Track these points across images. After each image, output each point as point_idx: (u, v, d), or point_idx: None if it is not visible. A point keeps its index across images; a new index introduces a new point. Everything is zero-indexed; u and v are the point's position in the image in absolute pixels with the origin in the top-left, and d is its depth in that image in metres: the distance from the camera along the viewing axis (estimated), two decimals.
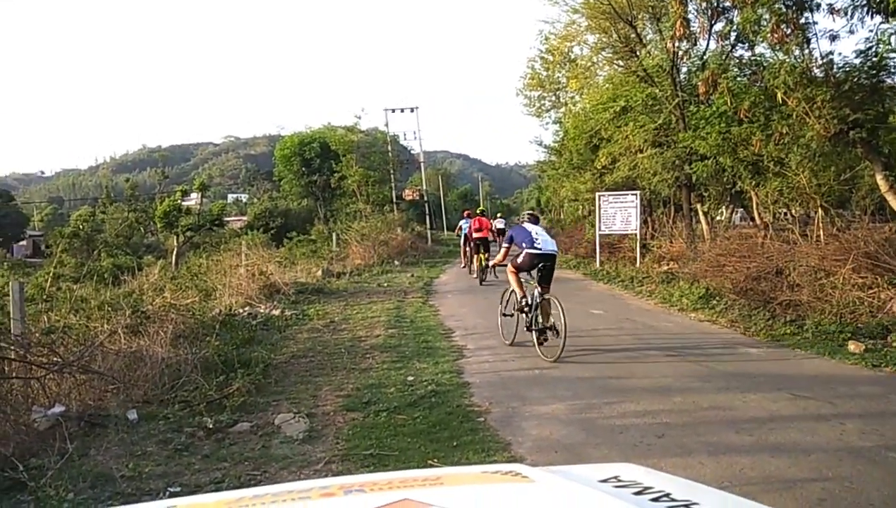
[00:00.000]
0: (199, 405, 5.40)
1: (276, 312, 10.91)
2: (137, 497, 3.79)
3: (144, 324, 7.12)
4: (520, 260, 7.70)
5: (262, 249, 18.29)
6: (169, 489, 3.94)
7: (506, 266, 8.19)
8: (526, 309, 7.58)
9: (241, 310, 10.65)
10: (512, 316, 7.96)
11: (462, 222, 19.73)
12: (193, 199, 33.56)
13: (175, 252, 25.99)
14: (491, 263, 9.12)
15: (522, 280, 7.82)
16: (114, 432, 4.75)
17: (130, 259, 25.47)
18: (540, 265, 7.53)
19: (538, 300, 7.41)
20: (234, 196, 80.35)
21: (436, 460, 4.29)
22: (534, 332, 7.44)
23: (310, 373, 6.93)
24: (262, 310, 10.97)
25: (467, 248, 18.40)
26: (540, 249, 7.49)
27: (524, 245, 7.61)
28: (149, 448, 4.58)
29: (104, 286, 10.44)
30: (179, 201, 27.14)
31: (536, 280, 7.59)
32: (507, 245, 8.14)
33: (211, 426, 4.95)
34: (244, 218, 47.01)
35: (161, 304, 8.09)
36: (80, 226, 35.05)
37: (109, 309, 7.30)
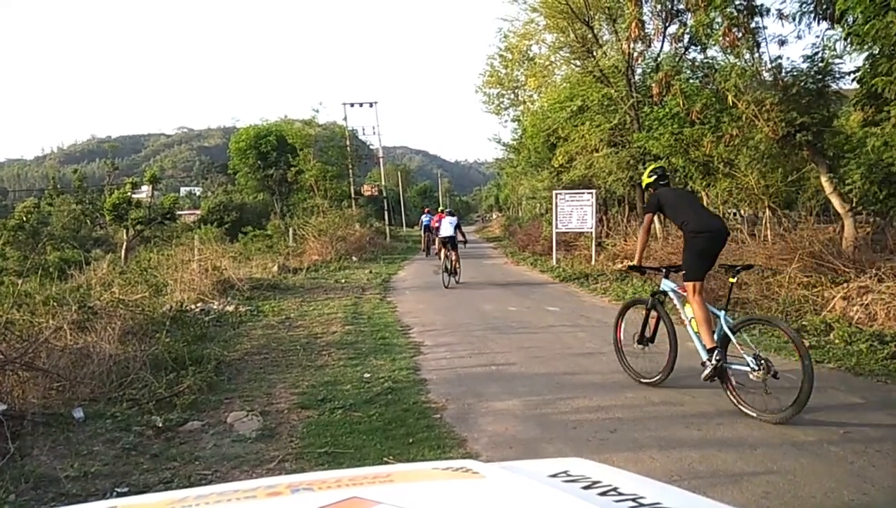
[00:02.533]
0: (149, 403, 5.27)
1: (230, 308, 10.73)
2: (83, 498, 3.68)
3: (92, 320, 6.92)
4: (435, 242, 14.62)
5: (215, 244, 18.01)
6: (116, 489, 3.84)
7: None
8: (444, 268, 14.48)
9: (193, 306, 10.43)
10: (437, 273, 14.99)
11: (423, 217, 25.63)
12: (144, 192, 32.57)
13: (125, 246, 25.22)
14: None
15: (443, 253, 14.83)
16: (59, 431, 4.61)
17: (78, 253, 24.61)
18: (446, 242, 14.48)
19: (452, 258, 14.34)
20: (188, 189, 78.66)
21: (391, 457, 4.28)
22: (446, 274, 14.16)
23: (264, 371, 6.84)
24: (215, 306, 10.77)
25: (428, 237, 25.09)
26: (441, 234, 14.78)
27: (436, 233, 15.11)
28: (95, 447, 4.45)
29: (50, 280, 10.12)
30: (129, 193, 26.22)
31: (448, 249, 14.48)
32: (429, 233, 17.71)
33: (160, 424, 4.83)
34: (197, 211, 46.03)
35: (109, 300, 7.87)
36: (25, 218, 33.74)
37: (55, 304, 7.06)
